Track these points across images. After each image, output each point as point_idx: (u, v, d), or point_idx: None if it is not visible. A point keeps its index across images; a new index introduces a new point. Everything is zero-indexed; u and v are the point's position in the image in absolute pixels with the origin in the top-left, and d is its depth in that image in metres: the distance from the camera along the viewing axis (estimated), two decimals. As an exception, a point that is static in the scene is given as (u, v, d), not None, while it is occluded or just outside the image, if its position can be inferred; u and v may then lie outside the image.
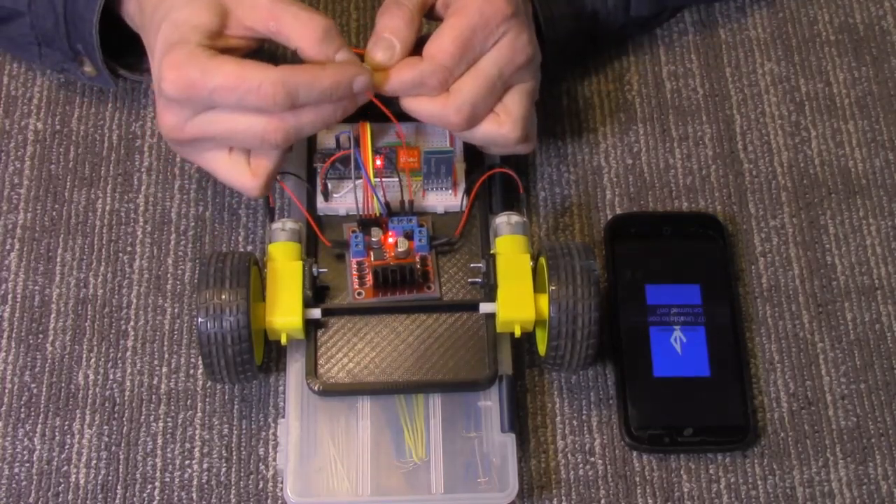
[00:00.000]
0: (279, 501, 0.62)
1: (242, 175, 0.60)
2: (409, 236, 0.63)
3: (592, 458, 0.63)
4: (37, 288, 0.67)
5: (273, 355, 0.65)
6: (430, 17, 0.63)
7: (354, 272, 0.62)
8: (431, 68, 0.60)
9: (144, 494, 0.62)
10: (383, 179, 0.64)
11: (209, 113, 0.58)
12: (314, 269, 0.61)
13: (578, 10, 0.69)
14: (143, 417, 0.64)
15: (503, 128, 0.61)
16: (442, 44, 0.60)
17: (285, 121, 0.57)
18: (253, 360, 0.59)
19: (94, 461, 0.63)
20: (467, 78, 0.60)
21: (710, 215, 0.69)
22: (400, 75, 0.60)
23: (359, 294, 0.62)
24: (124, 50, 0.67)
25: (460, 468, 0.60)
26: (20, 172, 0.70)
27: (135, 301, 0.67)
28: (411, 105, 0.61)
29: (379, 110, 0.61)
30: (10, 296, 0.67)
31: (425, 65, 0.60)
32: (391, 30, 0.60)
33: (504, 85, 0.61)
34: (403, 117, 0.66)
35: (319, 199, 0.64)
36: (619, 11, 0.70)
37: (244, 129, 0.58)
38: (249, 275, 0.59)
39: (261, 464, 0.63)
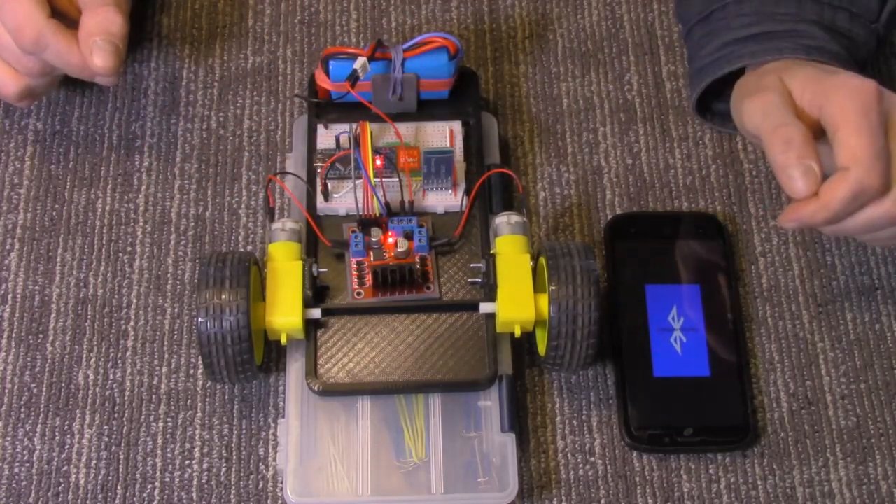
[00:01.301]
0: (279, 501, 0.62)
1: (3, 73, 0.65)
2: (408, 236, 0.63)
3: (592, 458, 0.63)
4: (37, 288, 0.67)
5: (273, 355, 0.65)
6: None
7: (354, 272, 0.62)
8: (864, 167, 0.55)
9: (144, 494, 0.62)
10: (383, 179, 0.64)
11: None
12: (314, 269, 0.61)
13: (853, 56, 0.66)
14: (143, 417, 0.64)
15: None
16: (849, 142, 0.56)
17: (28, 61, 0.64)
18: (253, 360, 0.59)
19: (94, 461, 0.63)
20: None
21: (710, 215, 0.69)
22: (836, 192, 0.56)
23: (358, 294, 0.62)
24: None
25: (460, 468, 0.60)
26: (20, 172, 0.70)
27: (135, 301, 0.67)
28: (861, 219, 0.57)
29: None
30: (10, 296, 0.67)
31: (855, 169, 0.56)
32: (798, 155, 0.57)
33: None
34: (400, 118, 0.66)
35: (319, 199, 0.64)
36: (872, 40, 0.67)
37: (5, 44, 0.64)
38: (249, 275, 0.59)
39: (261, 464, 0.63)
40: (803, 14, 0.65)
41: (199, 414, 0.64)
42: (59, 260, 0.68)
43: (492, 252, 0.62)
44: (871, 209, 0.58)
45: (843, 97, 0.58)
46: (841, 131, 0.57)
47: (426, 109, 0.67)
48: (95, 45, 0.62)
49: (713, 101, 0.69)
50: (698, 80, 0.67)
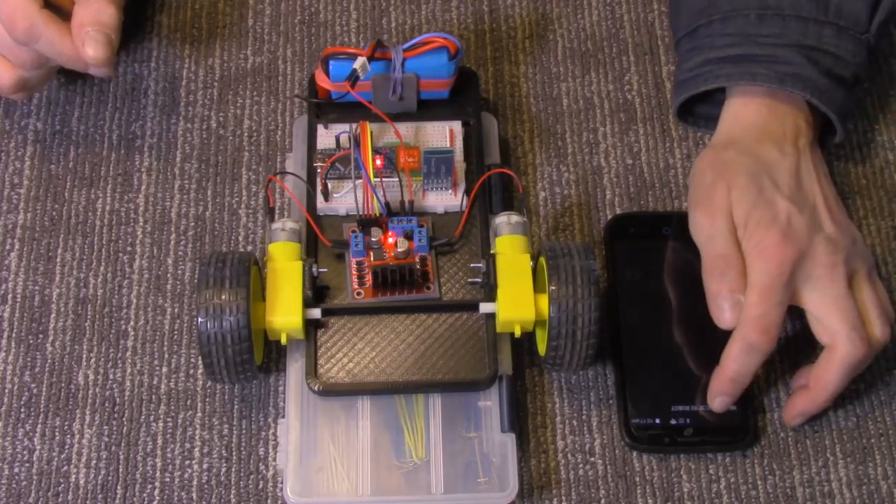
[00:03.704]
0: (279, 501, 0.62)
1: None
2: (408, 236, 0.63)
3: (592, 458, 0.63)
4: (37, 288, 0.67)
5: (273, 355, 0.65)
6: None
7: (354, 272, 0.62)
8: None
9: (144, 494, 0.62)
10: (383, 179, 0.64)
11: None
12: (314, 269, 0.61)
13: (848, 73, 0.67)
14: (143, 417, 0.64)
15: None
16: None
17: (22, 52, 0.64)
18: (253, 360, 0.59)
19: (94, 461, 0.63)
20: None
21: (710, 215, 0.69)
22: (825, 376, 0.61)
23: (358, 294, 0.62)
24: None
25: (460, 468, 0.60)
26: (20, 172, 0.70)
27: (135, 301, 0.67)
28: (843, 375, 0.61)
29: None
30: (10, 296, 0.67)
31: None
32: (730, 288, 0.61)
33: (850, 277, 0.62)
34: (400, 118, 0.66)
35: (319, 199, 0.64)
36: (863, 51, 0.68)
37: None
38: (249, 275, 0.59)
39: (261, 464, 0.63)
40: (787, 35, 0.66)
41: (199, 414, 0.64)
42: (59, 260, 0.68)
43: (492, 252, 0.62)
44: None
45: (756, 260, 0.61)
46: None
47: (426, 109, 0.67)
48: (88, 36, 0.62)
49: (695, 105, 0.70)
50: (679, 92, 0.69)
